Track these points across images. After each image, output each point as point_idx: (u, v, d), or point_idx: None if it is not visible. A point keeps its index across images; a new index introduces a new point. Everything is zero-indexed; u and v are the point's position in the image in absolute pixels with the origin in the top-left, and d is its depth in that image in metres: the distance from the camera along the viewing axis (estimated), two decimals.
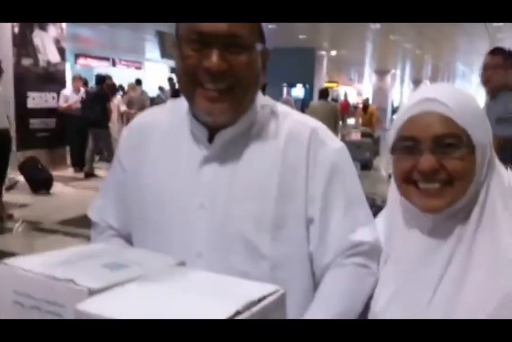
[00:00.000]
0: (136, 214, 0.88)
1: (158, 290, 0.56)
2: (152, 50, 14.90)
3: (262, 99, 0.87)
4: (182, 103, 0.87)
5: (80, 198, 6.15)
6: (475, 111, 0.78)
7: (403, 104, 0.87)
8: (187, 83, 0.80)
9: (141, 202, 0.87)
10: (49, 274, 0.56)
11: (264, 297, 0.55)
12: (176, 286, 0.58)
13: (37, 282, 0.56)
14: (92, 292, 0.54)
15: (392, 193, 0.85)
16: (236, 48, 0.77)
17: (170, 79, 11.18)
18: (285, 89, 12.16)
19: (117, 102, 8.54)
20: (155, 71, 18.93)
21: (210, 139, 0.84)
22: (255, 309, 0.53)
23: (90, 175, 7.31)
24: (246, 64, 0.77)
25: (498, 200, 0.77)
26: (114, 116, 8.25)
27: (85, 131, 7.49)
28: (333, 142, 0.87)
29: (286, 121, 0.86)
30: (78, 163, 7.60)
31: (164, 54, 9.51)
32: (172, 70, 19.11)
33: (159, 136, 0.89)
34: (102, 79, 7.61)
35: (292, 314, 0.62)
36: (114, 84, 8.89)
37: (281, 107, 0.90)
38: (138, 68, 19.96)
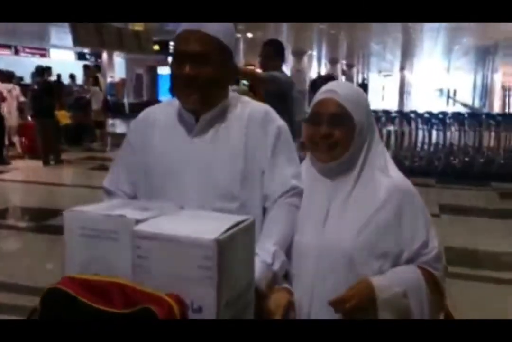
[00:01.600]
0: (143, 181, 1.23)
1: (178, 218, 0.90)
2: (58, 36, 13.96)
3: (232, 94, 1.26)
4: (173, 101, 1.24)
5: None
6: (359, 101, 1.20)
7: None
8: (174, 85, 1.19)
9: (148, 172, 1.22)
10: (105, 213, 0.87)
11: (244, 220, 0.89)
12: (188, 216, 0.92)
13: (98, 219, 0.87)
14: (137, 222, 0.85)
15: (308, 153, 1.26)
16: (201, 62, 1.14)
17: (85, 66, 10.93)
18: None
19: (15, 93, 8.32)
20: (62, 59, 17.73)
21: (197, 122, 1.21)
22: (240, 226, 0.87)
23: (60, 162, 7.70)
24: (208, 72, 1.15)
25: (375, 159, 1.20)
26: (13, 106, 8.12)
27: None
28: (278, 120, 1.26)
29: (248, 107, 1.25)
30: None
31: (77, 42, 9.31)
32: (80, 56, 18.07)
33: (160, 124, 1.25)
34: (42, 71, 7.89)
35: None
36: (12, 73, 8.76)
37: (244, 98, 1.28)
38: (43, 55, 18.61)
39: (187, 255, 0.81)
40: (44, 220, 4.72)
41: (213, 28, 1.14)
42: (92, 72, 10.14)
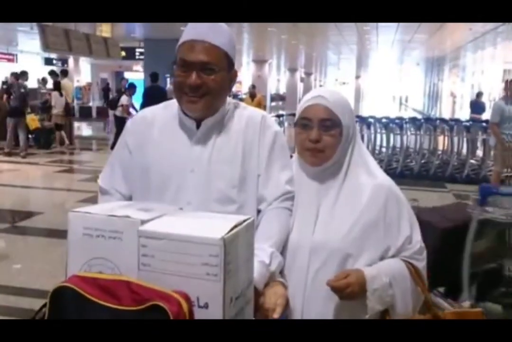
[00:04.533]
0: (139, 181, 1.24)
1: (180, 218, 0.92)
2: (25, 42, 13.90)
3: (229, 99, 1.29)
4: (172, 103, 1.26)
5: None
6: (345, 105, 1.26)
7: (303, 97, 1.32)
8: (178, 92, 1.20)
9: (145, 173, 1.22)
10: (109, 214, 0.88)
11: (245, 220, 0.92)
12: (190, 216, 0.94)
13: (103, 219, 0.88)
14: (143, 222, 0.87)
15: (295, 156, 1.31)
16: (207, 71, 1.17)
17: (52, 73, 10.74)
18: (168, 80, 12.42)
19: None
20: (30, 64, 17.77)
21: (197, 127, 1.23)
22: (243, 225, 0.90)
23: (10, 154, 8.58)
24: (214, 81, 1.17)
25: (359, 160, 1.26)
26: None
27: None
28: (275, 126, 1.30)
29: (245, 111, 1.29)
30: None
31: (46, 47, 9.16)
32: (47, 61, 17.95)
33: (159, 126, 1.26)
34: (17, 74, 8.72)
35: None
36: None
37: (241, 103, 1.32)
38: (11, 60, 18.58)
39: (194, 253, 0.83)
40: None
41: (217, 38, 1.18)
42: (54, 77, 10.07)
